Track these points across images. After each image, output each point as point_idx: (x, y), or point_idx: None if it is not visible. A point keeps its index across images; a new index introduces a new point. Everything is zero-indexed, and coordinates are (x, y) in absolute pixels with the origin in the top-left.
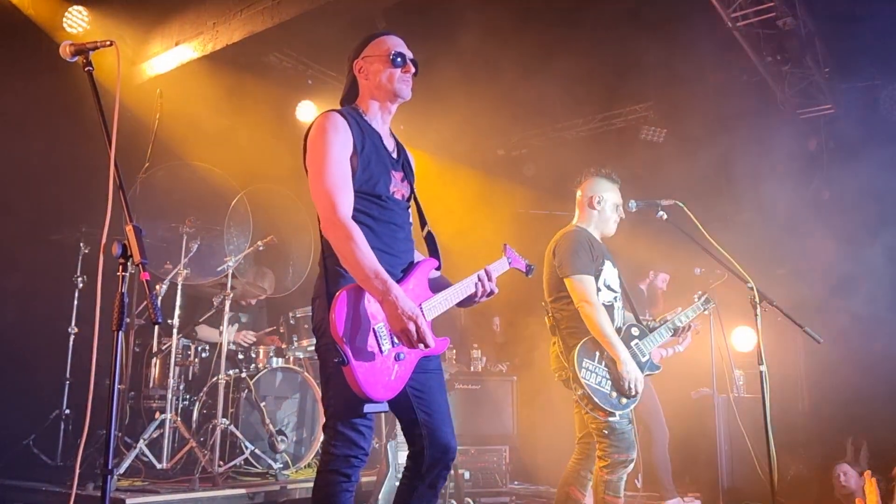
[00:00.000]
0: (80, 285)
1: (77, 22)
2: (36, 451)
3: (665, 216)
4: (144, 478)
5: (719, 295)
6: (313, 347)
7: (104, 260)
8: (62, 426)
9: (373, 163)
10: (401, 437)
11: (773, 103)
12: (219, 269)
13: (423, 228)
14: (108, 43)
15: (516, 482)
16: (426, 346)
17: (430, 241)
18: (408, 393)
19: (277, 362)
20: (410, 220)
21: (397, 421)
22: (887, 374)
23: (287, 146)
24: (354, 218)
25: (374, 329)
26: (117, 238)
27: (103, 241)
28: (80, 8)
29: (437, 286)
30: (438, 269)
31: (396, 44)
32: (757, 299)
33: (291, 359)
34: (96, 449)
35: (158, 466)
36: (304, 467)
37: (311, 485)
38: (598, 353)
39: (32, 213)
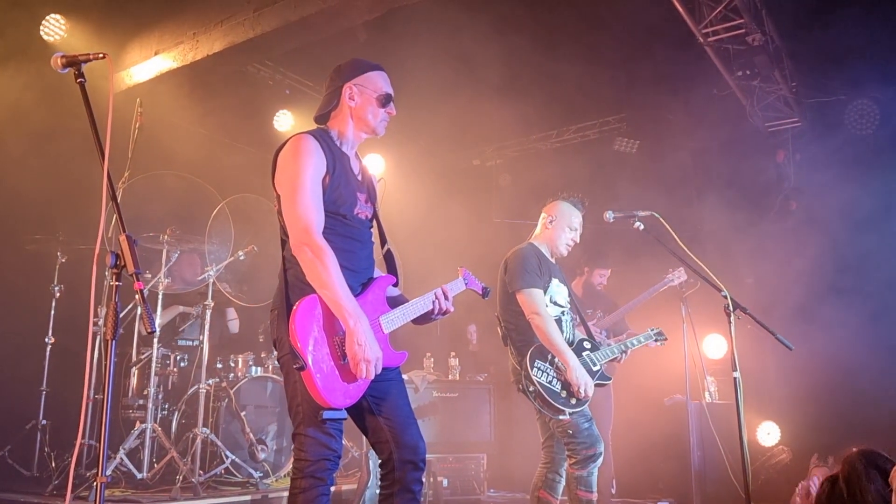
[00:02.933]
0: (58, 294)
1: (54, 30)
2: (11, 462)
3: (642, 226)
4: (125, 487)
5: (692, 303)
6: None
7: (97, 269)
8: (38, 437)
9: (342, 185)
10: None
11: (742, 116)
12: (199, 278)
13: (383, 247)
14: (101, 56)
15: (493, 490)
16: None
17: (388, 259)
18: (367, 401)
19: (257, 371)
20: (372, 239)
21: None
22: (854, 382)
23: (266, 155)
24: (323, 236)
25: (334, 339)
26: (111, 248)
27: (97, 250)
28: (58, 16)
29: (395, 302)
30: (396, 285)
31: (387, 83)
32: (731, 307)
33: (271, 368)
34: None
35: (139, 476)
36: (285, 476)
37: None
38: (549, 356)
39: (8, 221)
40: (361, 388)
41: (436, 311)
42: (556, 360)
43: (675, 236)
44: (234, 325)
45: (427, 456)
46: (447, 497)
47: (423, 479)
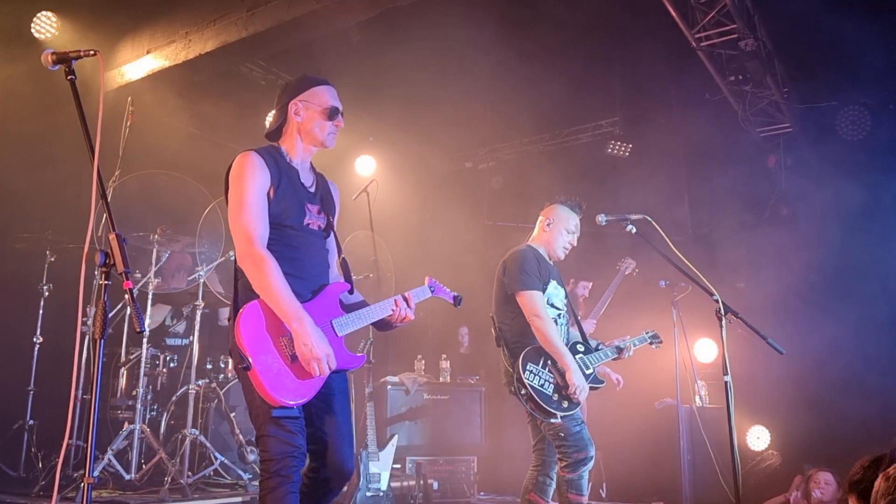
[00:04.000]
0: (46, 293)
1: (46, 27)
2: None
3: (634, 230)
4: (112, 488)
5: (682, 307)
6: None
7: (86, 268)
8: (25, 437)
9: (287, 197)
10: (372, 448)
11: (734, 121)
12: (189, 278)
13: (338, 256)
14: (91, 52)
15: (483, 493)
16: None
17: (344, 267)
18: (313, 409)
19: None
20: (327, 248)
21: (369, 429)
22: (844, 386)
23: None
24: (269, 246)
25: (280, 340)
26: (100, 247)
27: (86, 249)
28: (49, 13)
29: (353, 308)
30: (351, 291)
31: (333, 97)
32: (722, 311)
33: None
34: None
35: (126, 477)
36: None
37: None
38: (542, 359)
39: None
40: (314, 385)
41: (395, 318)
42: (550, 362)
43: (668, 239)
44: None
45: (417, 458)
46: (437, 500)
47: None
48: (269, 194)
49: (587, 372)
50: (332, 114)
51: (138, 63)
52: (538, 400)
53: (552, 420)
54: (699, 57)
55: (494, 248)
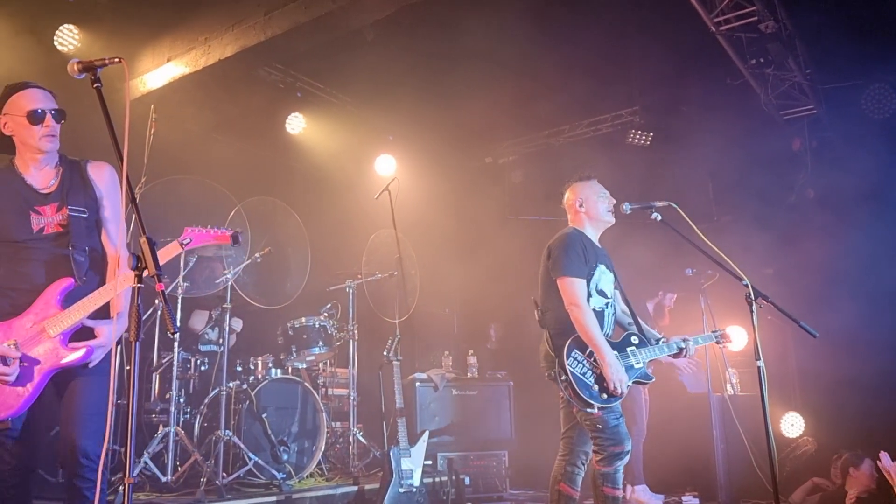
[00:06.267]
0: None
1: (68, 40)
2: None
3: (659, 217)
4: (149, 491)
5: (710, 294)
6: (312, 357)
7: (117, 272)
8: None
9: (7, 213)
10: (403, 444)
11: (756, 105)
12: (217, 281)
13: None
14: (116, 60)
15: (515, 488)
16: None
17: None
18: (58, 397)
19: (276, 373)
20: (69, 245)
21: (400, 426)
22: (878, 370)
23: (278, 158)
24: None
25: None
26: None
27: (120, 253)
28: (71, 26)
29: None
30: (75, 283)
31: (33, 99)
32: (752, 296)
33: (290, 369)
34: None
35: (163, 479)
36: (308, 477)
37: (315, 494)
38: (588, 348)
39: None
40: (24, 398)
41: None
42: (594, 352)
43: (694, 226)
44: (233, 339)
45: (448, 454)
46: (469, 495)
47: (90, 477)
48: None
49: (636, 366)
50: (33, 118)
51: (159, 71)
52: (577, 388)
53: (589, 410)
54: (718, 41)
55: (517, 242)
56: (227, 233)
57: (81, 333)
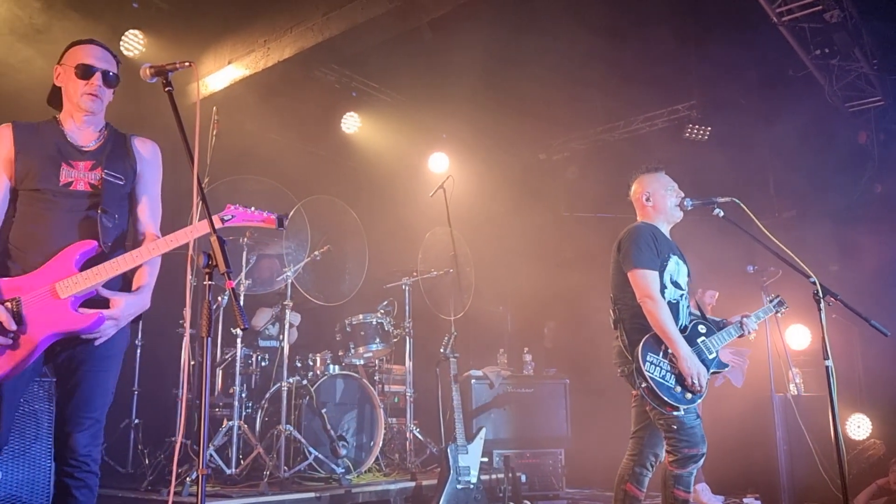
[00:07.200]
0: None
1: (133, 45)
2: (108, 459)
3: (722, 213)
4: (214, 483)
5: (772, 292)
6: (370, 354)
7: (189, 270)
8: (132, 435)
9: (38, 160)
10: (460, 441)
11: (820, 97)
12: (278, 279)
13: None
14: (186, 63)
15: (571, 486)
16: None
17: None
18: (55, 385)
19: (335, 369)
20: (98, 208)
21: (457, 422)
22: None
23: (334, 157)
24: (11, 213)
25: None
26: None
27: (190, 252)
28: (137, 31)
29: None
30: (98, 248)
31: (88, 55)
32: (820, 294)
33: (347, 366)
34: (166, 456)
35: (227, 472)
36: (366, 472)
37: (374, 489)
38: (663, 348)
39: None
40: (16, 360)
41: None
42: (670, 350)
43: (758, 222)
44: (293, 333)
45: (504, 451)
46: (525, 493)
47: (81, 477)
48: (8, 160)
49: (710, 357)
50: (81, 71)
51: (220, 73)
52: (659, 392)
53: (675, 413)
54: (779, 32)
55: (572, 239)
56: (272, 216)
57: (95, 304)
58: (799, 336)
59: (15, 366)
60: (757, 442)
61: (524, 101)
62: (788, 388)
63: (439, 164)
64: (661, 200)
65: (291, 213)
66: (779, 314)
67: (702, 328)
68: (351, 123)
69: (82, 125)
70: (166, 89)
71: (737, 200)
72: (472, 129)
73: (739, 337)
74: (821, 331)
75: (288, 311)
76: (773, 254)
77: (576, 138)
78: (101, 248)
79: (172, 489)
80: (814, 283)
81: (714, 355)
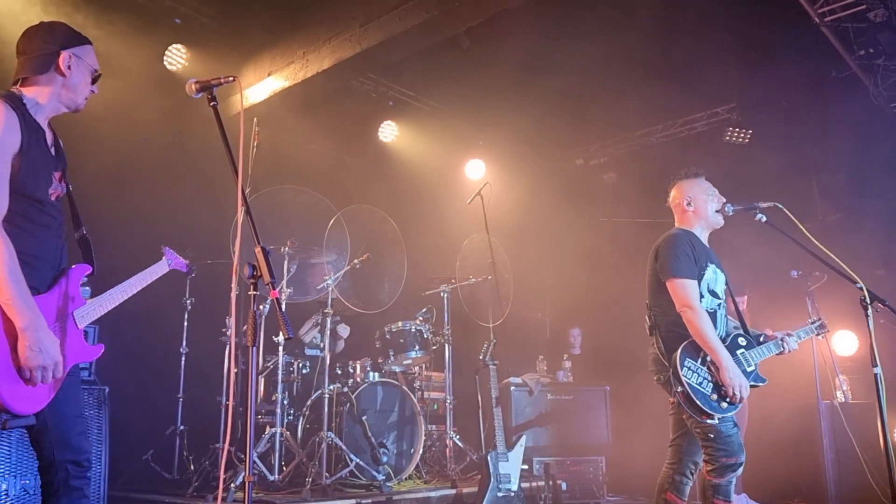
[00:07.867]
0: (189, 307)
1: (176, 59)
2: (154, 465)
3: (764, 219)
4: (258, 489)
5: (817, 297)
6: (409, 361)
7: (235, 280)
8: (177, 441)
9: (38, 165)
10: (501, 448)
11: (864, 98)
12: (319, 287)
13: (77, 231)
14: (230, 78)
15: (612, 494)
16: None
17: (84, 244)
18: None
19: (374, 377)
20: (62, 219)
21: (497, 430)
22: None
23: (372, 165)
24: (10, 220)
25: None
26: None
27: (235, 262)
28: (179, 46)
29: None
30: (92, 274)
31: (95, 59)
32: (868, 299)
33: (387, 373)
34: (211, 462)
35: (270, 478)
36: (406, 479)
37: (414, 496)
38: (701, 355)
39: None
40: (51, 390)
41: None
42: (709, 358)
43: (802, 227)
44: (340, 344)
45: (545, 459)
46: (566, 500)
47: (89, 477)
48: (14, 160)
49: (749, 369)
50: (97, 78)
51: (260, 85)
52: (695, 399)
53: (709, 421)
54: (821, 33)
55: (610, 245)
56: (184, 264)
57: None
58: (846, 342)
59: (47, 397)
60: (803, 450)
61: (560, 107)
62: (835, 395)
63: (476, 170)
64: (702, 206)
65: (332, 222)
66: (819, 336)
67: (742, 340)
68: (388, 132)
69: (45, 120)
70: (211, 104)
71: (779, 205)
72: (509, 135)
73: (778, 354)
74: (868, 337)
75: (329, 320)
76: (818, 258)
77: (613, 143)
78: (92, 272)
79: (220, 495)
80: (861, 288)
81: (753, 368)
